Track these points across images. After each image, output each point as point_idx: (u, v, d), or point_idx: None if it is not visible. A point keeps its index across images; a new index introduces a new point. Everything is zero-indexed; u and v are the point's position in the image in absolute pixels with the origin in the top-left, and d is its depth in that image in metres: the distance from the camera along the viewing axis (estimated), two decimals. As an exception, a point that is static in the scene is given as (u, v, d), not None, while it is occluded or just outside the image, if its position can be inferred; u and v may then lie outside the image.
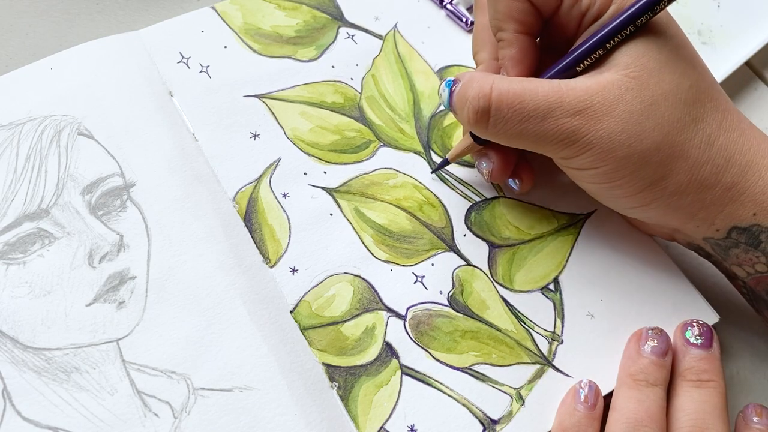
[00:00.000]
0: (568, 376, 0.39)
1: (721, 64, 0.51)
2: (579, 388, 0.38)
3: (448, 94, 0.39)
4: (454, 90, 0.39)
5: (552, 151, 0.37)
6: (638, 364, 0.38)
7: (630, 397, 0.37)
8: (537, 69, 0.40)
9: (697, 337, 0.39)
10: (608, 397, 0.39)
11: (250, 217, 0.41)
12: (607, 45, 0.36)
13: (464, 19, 0.50)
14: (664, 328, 0.39)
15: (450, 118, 0.46)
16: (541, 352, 0.40)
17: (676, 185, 0.36)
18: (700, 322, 0.39)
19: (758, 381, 0.42)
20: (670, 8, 0.37)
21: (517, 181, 0.42)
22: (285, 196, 0.42)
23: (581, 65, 0.37)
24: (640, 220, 0.41)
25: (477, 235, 0.43)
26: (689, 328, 0.39)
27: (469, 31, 0.50)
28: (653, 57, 0.36)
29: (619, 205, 0.40)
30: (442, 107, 0.47)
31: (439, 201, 0.43)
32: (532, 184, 0.43)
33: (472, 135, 0.41)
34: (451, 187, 0.44)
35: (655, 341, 0.38)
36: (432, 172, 0.44)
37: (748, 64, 0.52)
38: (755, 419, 0.38)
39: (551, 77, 0.38)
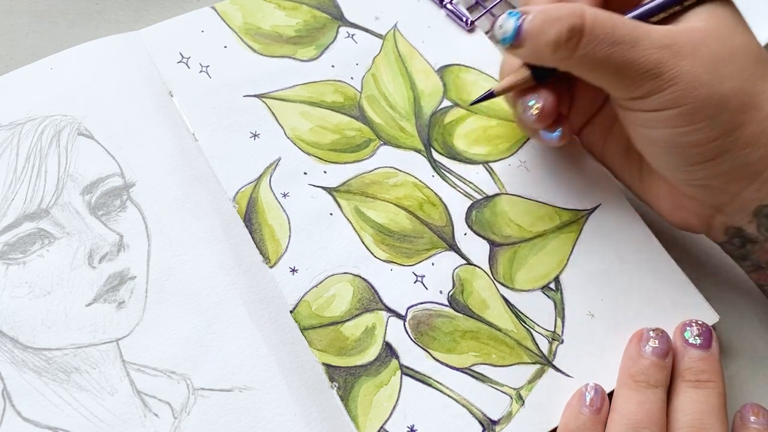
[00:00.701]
0: (568, 376, 0.39)
1: (721, 64, 0.51)
2: (585, 392, 0.38)
3: (516, 24, 0.38)
4: (524, 19, 0.37)
5: (633, 85, 0.37)
6: (639, 365, 0.38)
7: (630, 398, 0.37)
8: None
9: (696, 338, 0.39)
10: (609, 396, 0.39)
11: (250, 217, 0.41)
12: (684, 2, 0.37)
13: (464, 19, 0.50)
14: (664, 328, 0.39)
15: (451, 115, 0.46)
16: (542, 351, 0.40)
17: (749, 136, 0.36)
18: (699, 322, 0.39)
19: (758, 381, 0.42)
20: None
21: (560, 130, 0.41)
22: (285, 195, 0.42)
23: (657, 17, 0.38)
24: (680, 202, 0.41)
25: (478, 234, 0.43)
26: (688, 328, 0.39)
27: (470, 31, 0.50)
28: (727, 17, 0.37)
29: (685, 160, 0.38)
30: (443, 104, 0.47)
31: (440, 199, 0.43)
32: (570, 137, 0.42)
33: (532, 70, 0.40)
34: (451, 185, 0.44)
35: (656, 342, 0.38)
36: (472, 104, 0.44)
37: (748, 63, 0.52)
38: (752, 419, 0.38)
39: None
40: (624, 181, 0.44)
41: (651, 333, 0.39)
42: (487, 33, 0.51)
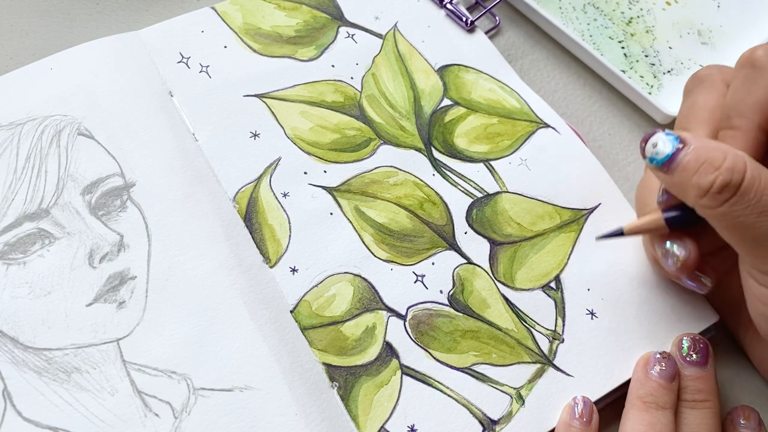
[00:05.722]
0: (568, 375, 0.39)
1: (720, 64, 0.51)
2: (574, 404, 0.38)
3: (672, 150, 0.35)
4: (681, 149, 0.35)
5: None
6: (647, 386, 0.37)
7: (641, 419, 0.36)
8: None
9: (693, 354, 0.38)
10: (609, 395, 0.39)
11: (250, 217, 0.41)
12: None
13: (464, 19, 0.50)
14: (664, 327, 0.39)
15: (452, 114, 0.46)
16: (542, 351, 0.40)
17: None
18: (697, 337, 0.39)
19: (758, 383, 0.42)
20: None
21: (708, 278, 0.38)
22: (285, 195, 0.42)
23: None
24: None
25: (478, 233, 0.43)
26: (684, 341, 0.39)
27: (469, 31, 0.50)
28: None
29: None
30: (443, 104, 0.47)
31: (440, 198, 0.43)
32: (712, 285, 0.39)
33: (668, 219, 0.37)
34: (452, 184, 0.44)
35: (663, 365, 0.38)
36: (598, 238, 0.41)
37: (748, 62, 0.52)
38: (742, 422, 0.38)
39: None
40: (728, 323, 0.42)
41: (658, 356, 0.38)
42: (486, 33, 0.51)
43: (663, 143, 0.35)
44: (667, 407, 0.37)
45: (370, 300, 0.40)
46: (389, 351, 0.38)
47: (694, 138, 0.35)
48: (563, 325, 0.40)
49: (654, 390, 0.37)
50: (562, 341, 0.40)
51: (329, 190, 0.43)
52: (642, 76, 0.50)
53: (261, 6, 0.48)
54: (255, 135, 0.43)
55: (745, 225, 0.33)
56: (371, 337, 0.39)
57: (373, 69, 0.47)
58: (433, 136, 0.46)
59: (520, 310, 0.40)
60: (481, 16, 0.51)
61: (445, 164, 0.44)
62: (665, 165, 0.35)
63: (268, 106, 0.45)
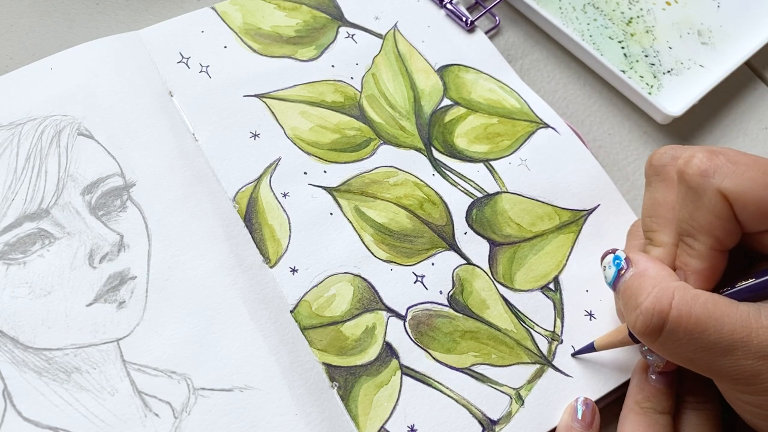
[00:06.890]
0: (567, 375, 0.39)
1: (721, 64, 0.51)
2: (576, 406, 0.38)
3: (615, 275, 0.35)
4: (622, 275, 0.35)
5: (721, 383, 0.34)
6: (645, 391, 0.37)
7: (639, 423, 0.36)
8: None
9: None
10: (608, 396, 0.39)
11: (250, 217, 0.41)
12: None
13: (464, 19, 0.50)
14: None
15: (452, 114, 0.46)
16: (541, 351, 0.40)
17: None
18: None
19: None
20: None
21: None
22: (285, 195, 0.42)
23: None
24: None
25: (478, 233, 0.43)
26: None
27: (469, 31, 0.50)
28: None
29: None
30: (443, 104, 0.47)
31: (440, 198, 0.43)
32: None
33: (631, 334, 0.36)
34: (452, 184, 0.44)
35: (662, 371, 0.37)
36: (573, 355, 0.40)
37: (748, 64, 0.52)
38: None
39: (738, 293, 0.33)
40: None
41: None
42: (486, 33, 0.51)
43: (608, 267, 0.36)
44: (665, 412, 0.36)
45: (370, 300, 0.40)
46: (389, 351, 0.38)
47: (638, 260, 0.35)
48: (562, 326, 0.41)
49: (652, 395, 0.37)
50: (561, 342, 0.40)
51: (329, 190, 0.43)
52: (642, 76, 0.50)
53: (261, 6, 0.48)
54: (255, 135, 0.44)
55: (686, 361, 0.33)
56: (371, 337, 0.39)
57: (373, 69, 0.47)
58: (433, 136, 0.46)
59: (519, 310, 0.41)
60: (481, 16, 0.51)
61: (445, 164, 0.45)
62: (613, 288, 0.36)
63: (268, 106, 0.45)
